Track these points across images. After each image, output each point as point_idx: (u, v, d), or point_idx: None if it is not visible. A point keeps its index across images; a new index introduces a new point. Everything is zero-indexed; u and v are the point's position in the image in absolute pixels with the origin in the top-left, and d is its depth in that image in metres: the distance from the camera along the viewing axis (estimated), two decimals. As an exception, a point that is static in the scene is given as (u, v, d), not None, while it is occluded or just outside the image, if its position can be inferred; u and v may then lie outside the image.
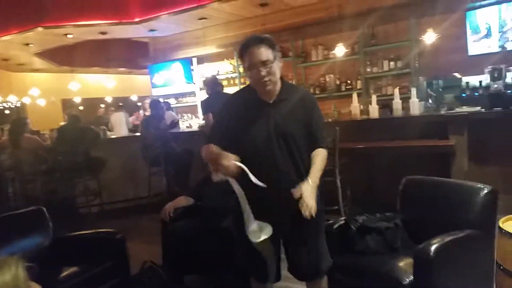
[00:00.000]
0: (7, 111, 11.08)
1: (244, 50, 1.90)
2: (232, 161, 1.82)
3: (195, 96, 8.64)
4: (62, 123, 6.59)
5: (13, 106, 11.05)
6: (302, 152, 1.97)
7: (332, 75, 6.88)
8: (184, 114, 8.65)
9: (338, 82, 6.86)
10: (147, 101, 7.28)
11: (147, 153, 5.29)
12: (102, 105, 11.31)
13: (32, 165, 5.23)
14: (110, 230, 2.84)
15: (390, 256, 2.29)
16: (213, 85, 5.05)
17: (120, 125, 7.44)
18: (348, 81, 6.78)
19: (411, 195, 2.64)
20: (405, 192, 2.66)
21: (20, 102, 10.42)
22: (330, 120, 5.07)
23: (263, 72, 1.86)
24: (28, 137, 5.41)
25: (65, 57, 9.22)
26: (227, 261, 2.90)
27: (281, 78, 1.99)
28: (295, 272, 2.10)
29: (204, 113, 5.11)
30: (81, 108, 11.50)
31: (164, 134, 5.29)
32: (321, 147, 1.99)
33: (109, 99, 11.75)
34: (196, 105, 8.63)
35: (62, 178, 5.29)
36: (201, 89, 8.57)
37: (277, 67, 1.90)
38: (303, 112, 1.97)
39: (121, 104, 9.12)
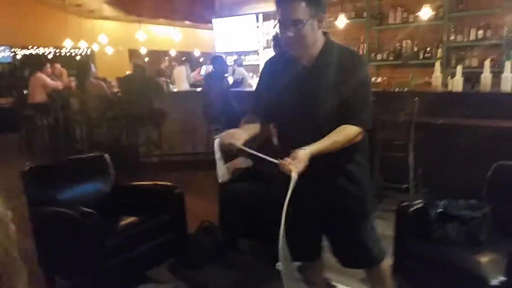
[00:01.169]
0: (77, 57, 11.53)
1: (278, 2, 1.57)
2: (232, 140, 1.59)
3: (258, 54, 8.38)
4: (128, 72, 6.66)
5: (83, 53, 11.45)
6: (338, 124, 1.63)
7: (409, 41, 6.28)
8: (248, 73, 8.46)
9: (415, 49, 6.27)
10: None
11: (207, 110, 5.20)
12: (166, 58, 11.41)
13: (98, 111, 5.36)
14: (169, 183, 2.79)
15: (472, 249, 2.02)
16: (279, 43, 4.72)
17: (182, 79, 7.41)
18: (427, 49, 6.16)
19: (502, 183, 2.31)
20: (495, 179, 2.33)
21: (90, 49, 10.73)
22: (405, 89, 4.64)
23: (290, 33, 1.53)
24: (93, 82, 5.52)
25: (133, 5, 9.25)
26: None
27: (325, 34, 1.66)
28: (340, 262, 1.89)
29: None
30: (146, 59, 11.67)
31: (226, 92, 5.14)
32: (354, 125, 1.59)
33: (173, 53, 11.78)
34: (258, 64, 8.38)
35: (126, 126, 5.39)
36: (264, 48, 8.30)
37: (311, 29, 1.54)
38: (343, 79, 1.59)
39: (184, 58, 9.10)
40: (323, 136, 1.58)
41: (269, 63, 1.87)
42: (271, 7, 7.66)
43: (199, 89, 6.58)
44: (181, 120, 6.03)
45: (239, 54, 8.61)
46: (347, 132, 1.58)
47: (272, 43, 4.84)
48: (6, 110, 9.19)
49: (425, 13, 5.66)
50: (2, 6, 9.26)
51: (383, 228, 2.19)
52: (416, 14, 5.90)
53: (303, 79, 1.64)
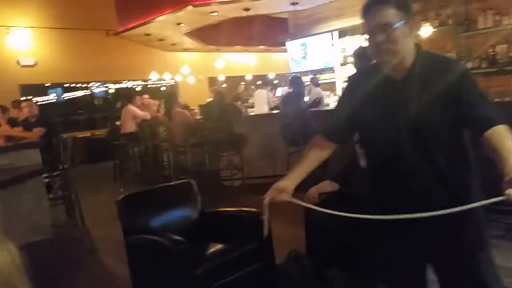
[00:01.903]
0: (163, 88, 12.36)
1: (365, 11, 1.45)
2: (282, 198, 1.55)
3: (333, 72, 8.23)
4: (209, 99, 6.92)
5: (168, 84, 12.25)
6: (446, 148, 1.44)
7: (505, 45, 5.71)
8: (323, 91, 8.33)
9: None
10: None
11: (286, 132, 5.15)
12: (242, 83, 11.76)
13: (183, 138, 5.60)
14: (256, 210, 2.74)
15: None
16: (362, 58, 4.51)
17: (262, 103, 7.47)
18: (527, 53, 5.54)
19: None
20: None
21: (174, 80, 11.45)
22: (505, 99, 4.17)
23: (379, 38, 1.40)
24: (179, 111, 5.81)
25: (211, 36, 9.74)
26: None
27: (417, 45, 1.49)
28: None
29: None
30: (224, 85, 12.15)
31: (304, 112, 5.05)
32: (500, 125, 1.33)
33: (249, 77, 12.12)
34: (334, 82, 8.23)
35: (209, 152, 5.55)
36: (341, 64, 8.14)
37: (402, 34, 1.41)
38: (448, 90, 1.40)
39: (259, 82, 9.26)
40: (420, 162, 1.43)
41: (354, 79, 1.76)
42: (346, 23, 7.60)
43: (277, 111, 6.60)
44: (260, 143, 6.07)
45: (314, 73, 8.53)
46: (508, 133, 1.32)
47: (355, 59, 4.65)
48: (102, 141, 10.11)
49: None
50: (93, 45, 10.31)
51: (502, 259, 1.90)
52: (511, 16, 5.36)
53: (394, 94, 1.48)
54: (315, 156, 1.66)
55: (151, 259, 2.48)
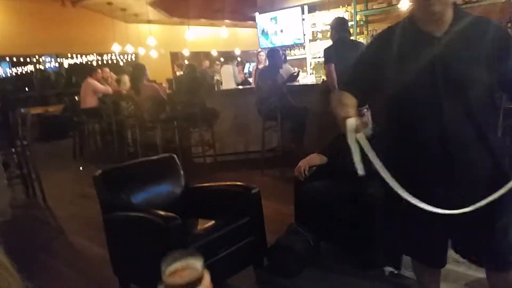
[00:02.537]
0: (121, 63, 11.72)
1: None
2: (349, 113, 1.44)
3: (304, 48, 8.12)
4: (179, 73, 6.58)
5: (129, 59, 11.62)
6: (486, 106, 1.42)
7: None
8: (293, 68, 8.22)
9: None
10: (262, 53, 6.90)
11: (262, 106, 4.99)
12: (207, 60, 11.40)
13: (152, 113, 5.30)
14: (245, 184, 2.61)
15: None
16: (339, 29, 4.40)
17: (229, 79, 7.25)
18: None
19: None
20: None
21: (135, 54, 10.87)
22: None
23: None
24: (147, 84, 5.47)
25: (176, 7, 9.28)
26: (367, 233, 2.53)
27: (454, 4, 1.43)
28: (469, 256, 1.68)
29: (326, 62, 4.52)
30: (186, 62, 11.72)
31: (281, 87, 4.91)
32: None
33: (214, 53, 11.77)
34: (305, 58, 8.12)
35: (179, 127, 5.30)
36: (310, 40, 8.02)
37: None
38: (492, 49, 1.37)
39: (222, 59, 8.95)
40: (460, 119, 1.38)
41: (382, 35, 1.62)
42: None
43: (248, 87, 6.43)
44: (232, 119, 5.89)
45: (284, 48, 8.37)
46: None
47: (332, 31, 4.51)
48: (57, 118, 9.49)
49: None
50: (46, 16, 9.51)
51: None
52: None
53: (434, 50, 1.39)
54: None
55: (136, 238, 2.28)
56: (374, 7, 6.87)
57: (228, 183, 2.70)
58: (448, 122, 1.39)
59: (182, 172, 2.77)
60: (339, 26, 4.45)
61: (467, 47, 1.39)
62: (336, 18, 4.69)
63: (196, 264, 0.60)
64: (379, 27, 6.68)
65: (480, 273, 2.15)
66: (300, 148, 5.10)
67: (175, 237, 2.04)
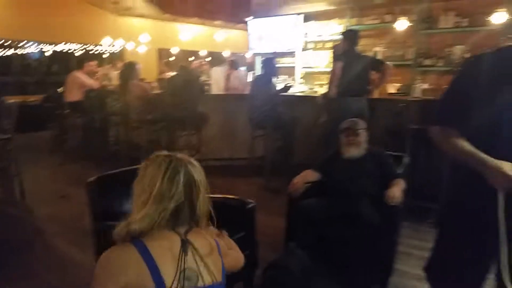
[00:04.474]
0: (105, 56, 11.36)
1: None
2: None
3: (294, 56, 8.12)
4: (173, 73, 6.42)
5: (112, 52, 11.30)
6: None
7: (462, 46, 5.97)
8: (280, 76, 8.18)
9: (468, 55, 5.95)
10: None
11: (254, 115, 4.96)
12: (192, 58, 11.19)
13: (139, 113, 5.18)
14: (240, 197, 2.56)
15: None
16: (353, 38, 4.44)
17: (220, 82, 7.10)
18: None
19: None
20: None
21: (121, 48, 10.58)
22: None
23: None
24: (136, 83, 5.34)
25: (169, 3, 9.10)
26: (363, 254, 2.54)
27: None
28: None
29: (335, 59, 4.51)
30: (172, 58, 11.48)
31: (275, 97, 4.89)
32: None
33: (203, 53, 11.61)
34: (293, 67, 8.12)
35: (167, 129, 5.20)
36: (303, 49, 8.01)
37: None
38: None
39: (209, 59, 8.78)
40: None
41: (480, 63, 1.47)
42: (312, 8, 7.44)
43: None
44: (221, 124, 5.84)
45: (275, 56, 8.33)
46: None
47: (344, 41, 4.42)
48: (36, 108, 9.08)
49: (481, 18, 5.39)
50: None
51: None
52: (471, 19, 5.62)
53: None
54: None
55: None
56: (365, 22, 6.94)
57: (223, 195, 2.64)
58: None
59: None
60: (352, 37, 4.45)
61: None
62: (349, 29, 4.82)
63: None
64: (369, 43, 6.77)
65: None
66: (288, 159, 5.10)
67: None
